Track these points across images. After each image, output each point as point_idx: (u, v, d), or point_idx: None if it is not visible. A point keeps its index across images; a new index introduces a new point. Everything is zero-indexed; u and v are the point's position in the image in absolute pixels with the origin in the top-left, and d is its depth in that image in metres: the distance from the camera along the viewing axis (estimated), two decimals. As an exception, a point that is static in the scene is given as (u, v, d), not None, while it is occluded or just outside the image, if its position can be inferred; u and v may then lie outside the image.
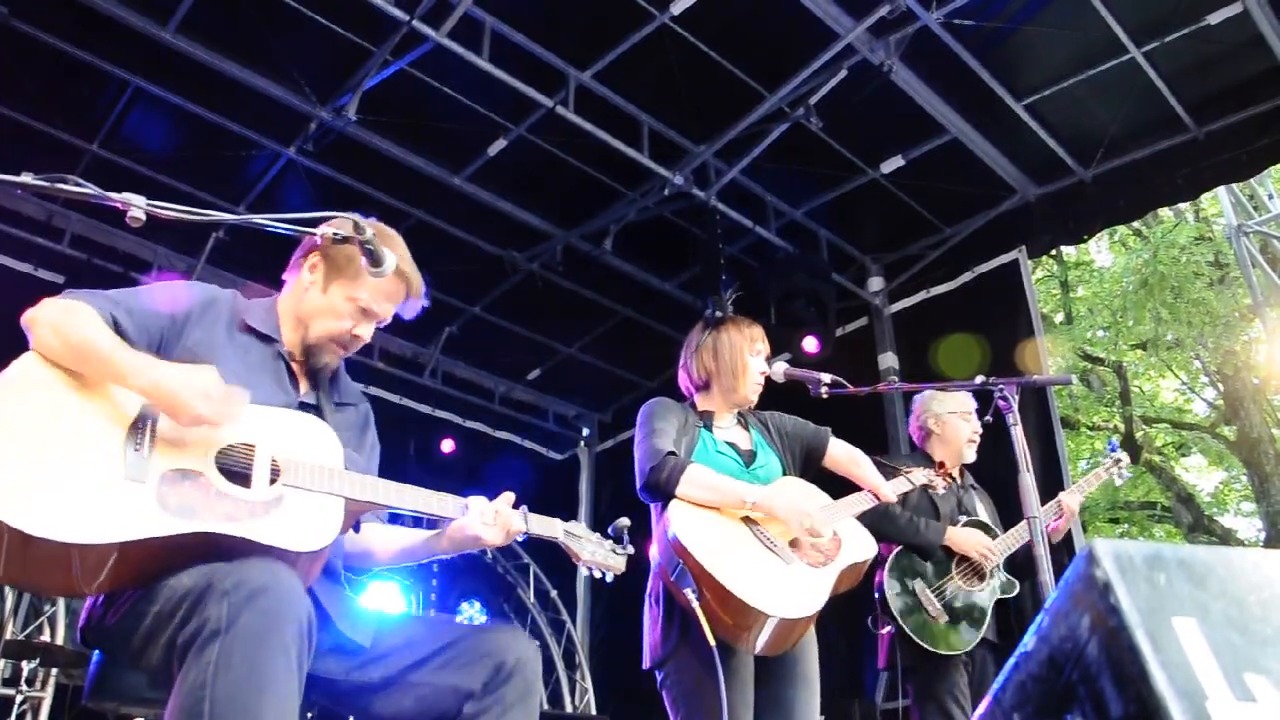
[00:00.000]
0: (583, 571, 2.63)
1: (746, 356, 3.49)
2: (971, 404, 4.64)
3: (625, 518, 2.72)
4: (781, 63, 6.24)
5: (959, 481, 4.65)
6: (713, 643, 2.79)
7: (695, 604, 2.85)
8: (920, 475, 3.80)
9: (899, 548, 4.44)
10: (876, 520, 4.35)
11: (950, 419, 4.63)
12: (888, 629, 4.36)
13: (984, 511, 4.59)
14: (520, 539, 2.50)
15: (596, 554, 2.60)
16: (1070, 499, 4.54)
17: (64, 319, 2.05)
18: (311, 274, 2.45)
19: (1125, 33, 5.92)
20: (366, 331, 2.47)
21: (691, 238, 7.57)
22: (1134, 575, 0.97)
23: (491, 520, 2.37)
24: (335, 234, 2.17)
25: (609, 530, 2.70)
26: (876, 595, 4.41)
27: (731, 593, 2.88)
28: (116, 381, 2.02)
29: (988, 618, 4.28)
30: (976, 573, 4.33)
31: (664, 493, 3.16)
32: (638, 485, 3.25)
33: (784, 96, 6.39)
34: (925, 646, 4.19)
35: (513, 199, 7.39)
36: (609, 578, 2.65)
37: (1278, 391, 15.09)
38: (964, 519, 4.45)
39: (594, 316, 8.86)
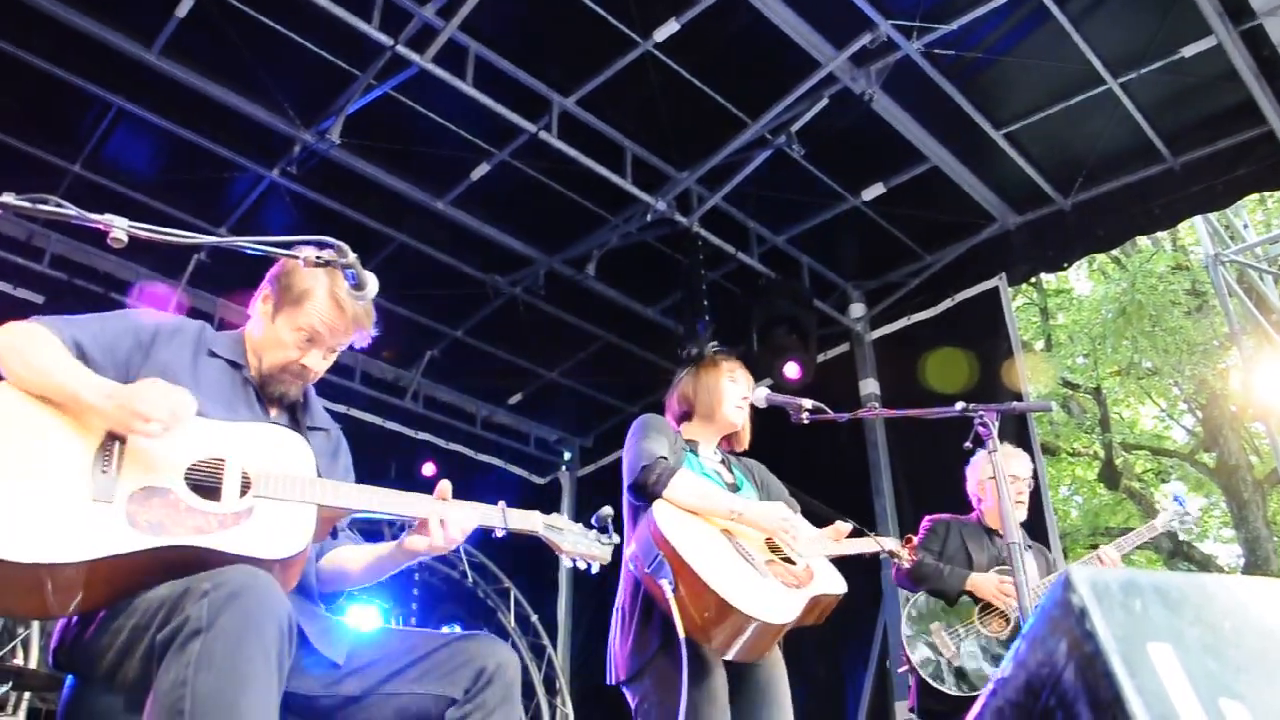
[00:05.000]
0: (565, 563, 2.59)
1: (723, 383, 3.63)
2: (1014, 468, 4.55)
3: (608, 506, 2.70)
4: (764, 90, 6.29)
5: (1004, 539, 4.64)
6: (683, 636, 2.79)
7: (670, 595, 2.85)
8: (890, 542, 3.83)
9: (921, 593, 4.51)
10: (899, 568, 4.47)
11: (989, 484, 4.60)
12: (905, 669, 4.39)
13: (1034, 569, 4.51)
14: (502, 535, 2.48)
15: (579, 544, 2.56)
16: (1111, 553, 4.49)
17: (25, 343, 2.09)
18: (264, 305, 2.50)
19: (1102, 64, 6.00)
20: (315, 361, 2.46)
21: (674, 263, 7.59)
22: (1110, 601, 0.97)
23: (450, 533, 2.35)
24: (318, 257, 2.17)
25: (593, 520, 2.66)
26: (897, 636, 4.48)
27: (709, 586, 2.90)
28: (73, 402, 2.03)
29: (1007, 660, 4.23)
30: (1002, 616, 4.31)
31: (652, 493, 3.21)
32: (626, 484, 3.31)
33: (766, 124, 6.44)
34: (939, 688, 4.20)
35: (496, 224, 7.39)
36: (595, 568, 2.61)
37: (1255, 419, 15.20)
38: (997, 569, 4.43)
39: (576, 341, 8.85)
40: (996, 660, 4.27)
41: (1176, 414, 18.33)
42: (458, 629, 9.63)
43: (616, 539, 2.66)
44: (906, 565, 3.99)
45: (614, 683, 3.24)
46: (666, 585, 2.88)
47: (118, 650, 1.94)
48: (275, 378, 2.45)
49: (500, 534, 2.47)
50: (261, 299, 2.51)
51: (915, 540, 4.07)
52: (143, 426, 2.00)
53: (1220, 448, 15.77)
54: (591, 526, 2.64)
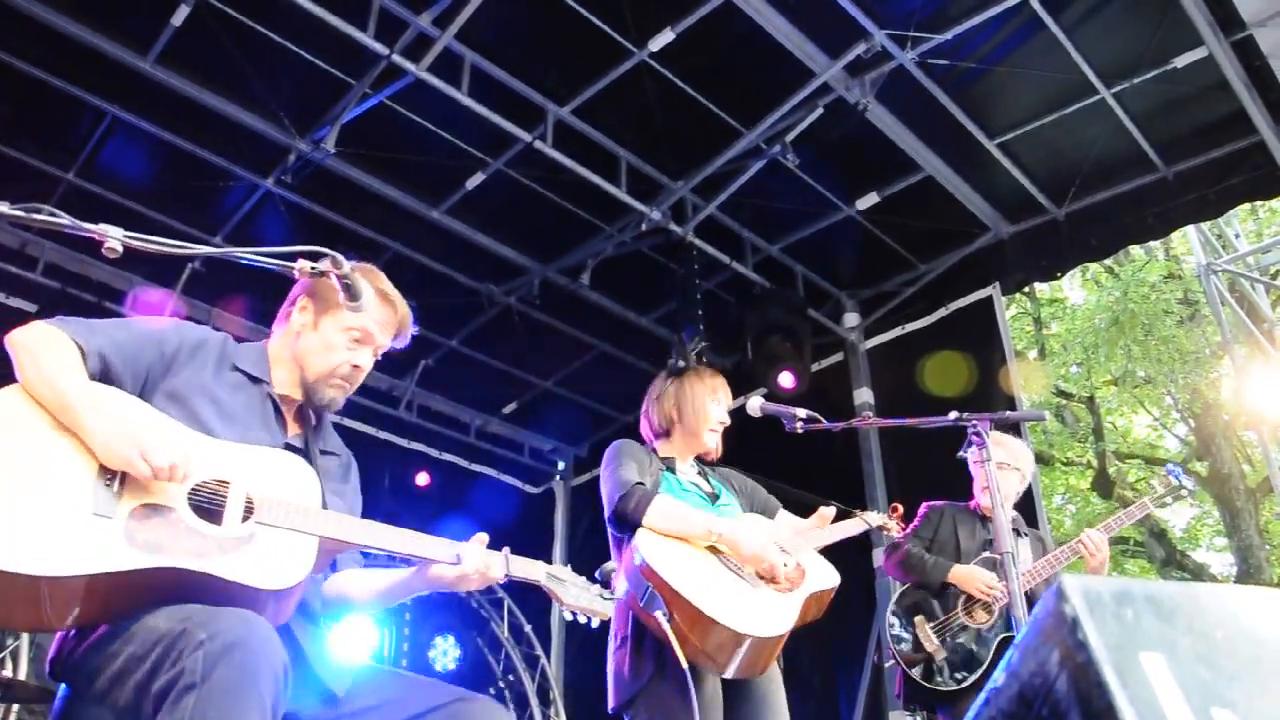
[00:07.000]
0: (565, 615, 2.55)
1: (707, 404, 3.58)
2: (1001, 455, 4.40)
3: (612, 561, 2.69)
4: (759, 100, 6.30)
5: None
6: (685, 665, 2.78)
7: (666, 626, 2.84)
8: (875, 517, 3.86)
9: (905, 585, 4.51)
10: (889, 555, 4.53)
11: (977, 470, 4.55)
12: (891, 663, 4.39)
13: (1027, 553, 4.47)
14: (503, 582, 2.44)
15: (580, 599, 2.51)
16: (1096, 535, 4.30)
17: (43, 349, 2.06)
18: (302, 315, 2.48)
19: (1095, 74, 6.03)
20: (365, 359, 2.46)
21: (668, 273, 7.61)
22: (1102, 611, 0.97)
23: (477, 578, 2.34)
24: (313, 268, 2.17)
25: (595, 575, 2.62)
26: (882, 630, 4.47)
27: (703, 612, 2.89)
28: (74, 425, 1.99)
29: (989, 654, 4.24)
30: (986, 609, 4.31)
31: (631, 522, 3.18)
32: (606, 514, 3.29)
33: (761, 133, 6.45)
34: (923, 683, 4.22)
35: (490, 233, 7.39)
36: (594, 623, 2.58)
37: (1247, 428, 15.23)
38: (984, 556, 4.43)
39: (570, 350, 8.84)
40: (985, 644, 4.27)
41: (1169, 423, 18.38)
42: (452, 639, 9.64)
43: (620, 595, 2.61)
44: (896, 537, 4.01)
45: (614, 709, 3.23)
46: (661, 617, 2.86)
47: (112, 675, 1.91)
48: (324, 383, 2.44)
49: (502, 579, 2.42)
50: (298, 309, 2.48)
51: (901, 509, 4.11)
52: (140, 466, 1.95)
53: (1213, 457, 15.80)
54: (594, 580, 2.59)
